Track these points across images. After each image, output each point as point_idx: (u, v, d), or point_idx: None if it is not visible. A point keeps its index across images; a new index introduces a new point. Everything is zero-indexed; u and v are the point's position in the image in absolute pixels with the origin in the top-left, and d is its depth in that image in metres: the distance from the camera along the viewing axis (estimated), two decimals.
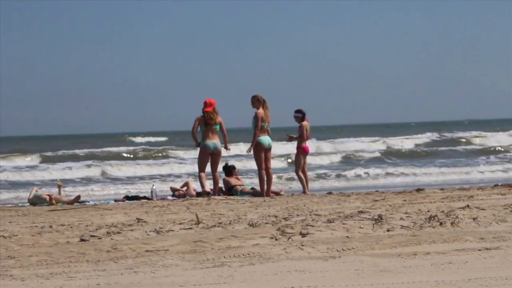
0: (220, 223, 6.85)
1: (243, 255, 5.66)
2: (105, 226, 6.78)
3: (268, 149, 11.13)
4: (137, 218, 7.10)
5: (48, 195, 11.43)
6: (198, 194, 11.22)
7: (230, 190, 11.63)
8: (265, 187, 11.05)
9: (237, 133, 32.46)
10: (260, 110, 10.96)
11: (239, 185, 11.71)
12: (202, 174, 11.16)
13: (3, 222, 7.67)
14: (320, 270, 5.16)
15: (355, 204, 7.65)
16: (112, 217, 7.30)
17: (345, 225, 6.65)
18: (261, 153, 10.98)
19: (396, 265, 5.29)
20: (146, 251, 5.85)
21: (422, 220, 6.84)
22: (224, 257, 5.62)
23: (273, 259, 5.54)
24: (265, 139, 11.01)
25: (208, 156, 11.13)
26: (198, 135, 11.22)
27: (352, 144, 37.17)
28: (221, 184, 12.13)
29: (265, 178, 11.05)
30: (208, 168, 11.27)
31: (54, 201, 11.04)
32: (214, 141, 11.13)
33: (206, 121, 11.06)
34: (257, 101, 11.05)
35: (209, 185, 11.51)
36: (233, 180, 11.80)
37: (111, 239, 6.34)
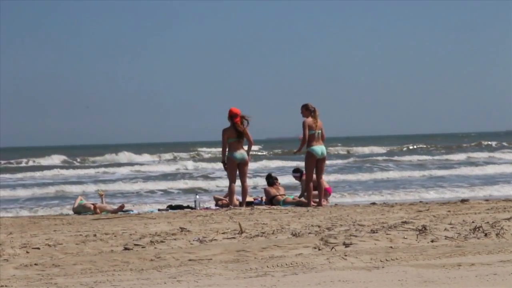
0: (263, 232, 6.86)
1: (286, 265, 5.66)
2: (148, 235, 6.83)
3: (321, 159, 10.95)
4: (180, 228, 7.13)
5: (93, 204, 11.54)
6: (248, 204, 11.21)
7: (271, 200, 11.61)
8: (311, 197, 10.92)
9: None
10: (308, 119, 10.84)
11: (281, 195, 11.67)
12: (234, 185, 11.10)
13: (48, 230, 7.75)
14: (363, 281, 5.14)
15: (399, 214, 7.59)
16: (156, 226, 7.35)
17: (388, 236, 6.61)
18: (312, 162, 10.83)
19: (440, 276, 5.24)
20: (189, 260, 5.87)
21: (466, 231, 6.77)
22: (267, 266, 5.62)
23: (316, 269, 5.53)
24: (317, 148, 10.85)
25: (236, 166, 11.07)
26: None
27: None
28: (261, 195, 12.16)
29: (312, 189, 10.91)
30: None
31: (98, 210, 11.14)
32: (241, 151, 11.08)
33: (238, 134, 11.00)
34: (305, 110, 10.94)
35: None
36: (273, 190, 11.78)
37: (155, 248, 6.38)
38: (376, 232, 6.74)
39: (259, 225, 7.28)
